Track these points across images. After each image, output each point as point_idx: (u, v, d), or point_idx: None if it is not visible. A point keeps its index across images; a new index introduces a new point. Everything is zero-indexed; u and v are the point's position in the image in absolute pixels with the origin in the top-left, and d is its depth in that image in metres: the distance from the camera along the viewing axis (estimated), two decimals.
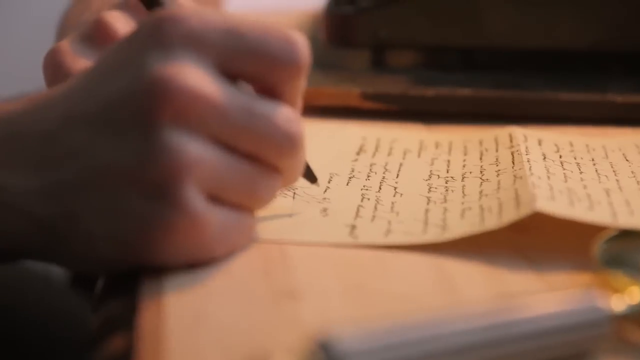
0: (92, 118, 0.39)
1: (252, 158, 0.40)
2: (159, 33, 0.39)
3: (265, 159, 0.40)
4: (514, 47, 0.67)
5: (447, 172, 0.52)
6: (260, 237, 0.43)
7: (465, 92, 0.62)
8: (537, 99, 0.62)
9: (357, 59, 0.70)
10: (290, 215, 0.46)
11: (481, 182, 0.50)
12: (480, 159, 0.54)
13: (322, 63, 0.69)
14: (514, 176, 0.49)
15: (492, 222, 0.43)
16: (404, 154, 0.56)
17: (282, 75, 0.40)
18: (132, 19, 0.54)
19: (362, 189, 0.49)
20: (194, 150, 0.38)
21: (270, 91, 0.41)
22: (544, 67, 0.67)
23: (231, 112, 0.39)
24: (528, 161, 0.51)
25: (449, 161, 0.54)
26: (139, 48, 0.39)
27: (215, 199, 0.39)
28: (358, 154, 0.56)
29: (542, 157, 0.53)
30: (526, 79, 0.65)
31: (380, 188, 0.50)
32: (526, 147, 0.54)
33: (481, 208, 0.45)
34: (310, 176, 0.47)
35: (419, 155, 0.56)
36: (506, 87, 0.64)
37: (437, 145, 0.57)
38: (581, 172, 0.50)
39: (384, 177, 0.51)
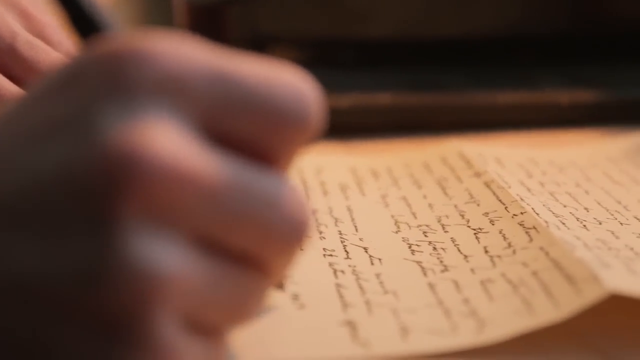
0: (5, 207, 0.25)
1: (243, 258, 0.27)
2: (119, 76, 0.25)
3: (261, 258, 0.27)
4: (419, 37, 0.56)
5: (415, 217, 0.41)
6: None
7: (385, 98, 0.51)
8: (474, 105, 0.51)
9: None
10: (283, 292, 0.33)
11: (475, 234, 0.38)
12: (445, 193, 0.43)
13: None
14: (522, 226, 0.38)
15: (546, 312, 0.31)
16: (343, 191, 0.44)
17: (283, 138, 0.27)
18: None
19: (324, 255, 0.37)
20: (172, 261, 0.25)
21: (265, 157, 0.27)
22: (455, 59, 0.57)
23: (226, 196, 0.26)
24: (521, 199, 0.40)
25: (405, 199, 0.43)
26: (86, 98, 0.25)
27: (193, 324, 0.26)
28: None
29: (527, 189, 0.42)
30: (441, 74, 0.55)
31: (346, 251, 0.38)
32: (498, 174, 0.43)
33: (509, 282, 0.34)
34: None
35: (362, 193, 0.44)
36: (422, 86, 0.53)
37: (375, 175, 0.46)
38: (586, 210, 0.40)
39: (340, 232, 0.39)
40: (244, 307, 0.27)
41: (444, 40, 0.56)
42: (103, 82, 0.25)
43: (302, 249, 0.28)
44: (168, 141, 0.25)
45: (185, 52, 0.26)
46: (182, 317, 0.25)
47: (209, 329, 0.27)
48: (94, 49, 0.26)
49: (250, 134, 0.27)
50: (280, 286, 0.33)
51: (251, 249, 0.27)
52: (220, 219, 0.26)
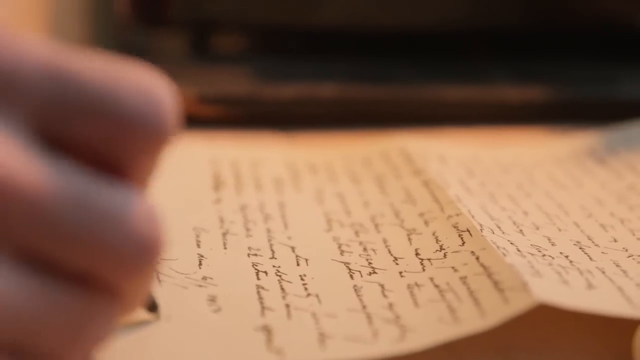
0: None
1: (82, 279, 0.24)
2: None
3: (104, 280, 0.24)
4: (369, 27, 0.54)
5: (349, 215, 0.39)
6: None
7: (330, 90, 0.49)
8: (422, 99, 0.49)
9: (171, 43, 0.55)
10: (157, 319, 0.31)
11: (408, 235, 0.37)
12: (383, 191, 0.41)
13: (125, 49, 0.54)
14: (456, 228, 0.36)
15: (472, 321, 0.30)
16: (277, 185, 0.42)
17: (134, 146, 0.24)
18: None
19: (249, 254, 0.36)
20: None
21: (112, 167, 0.24)
22: (405, 52, 0.55)
23: (55, 210, 0.23)
24: (459, 200, 0.39)
25: (341, 196, 0.41)
26: None
27: (20, 354, 0.23)
28: (217, 189, 0.41)
29: (466, 189, 0.41)
30: (390, 67, 0.53)
31: (272, 250, 0.36)
32: (438, 173, 0.42)
33: (436, 287, 0.33)
34: (149, 301, 0.30)
35: (298, 189, 0.42)
36: (369, 78, 0.51)
37: (313, 169, 0.44)
38: (525, 213, 0.39)
39: (269, 230, 0.38)
40: (85, 333, 0.24)
41: (394, 31, 0.54)
42: None
43: (154, 271, 0.25)
44: None
45: (16, 46, 0.23)
46: (5, 346, 0.23)
47: (42, 358, 0.24)
48: None
49: (93, 141, 0.24)
50: (151, 308, 0.30)
51: (91, 269, 0.24)
52: (49, 235, 0.23)
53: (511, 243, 0.35)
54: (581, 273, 0.33)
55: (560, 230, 0.37)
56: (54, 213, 0.23)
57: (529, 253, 0.34)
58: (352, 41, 0.54)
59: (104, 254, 0.23)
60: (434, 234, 0.36)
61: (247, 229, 0.38)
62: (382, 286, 0.33)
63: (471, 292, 0.31)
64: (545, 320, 0.31)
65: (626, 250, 0.36)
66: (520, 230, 0.37)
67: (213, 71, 0.51)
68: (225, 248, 0.36)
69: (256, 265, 0.35)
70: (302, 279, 0.34)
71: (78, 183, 0.23)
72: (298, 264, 0.35)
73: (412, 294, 0.32)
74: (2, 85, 0.23)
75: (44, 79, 0.23)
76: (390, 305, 0.32)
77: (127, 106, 0.24)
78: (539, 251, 0.34)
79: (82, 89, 0.23)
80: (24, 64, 0.23)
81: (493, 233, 0.35)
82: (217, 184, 0.42)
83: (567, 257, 0.34)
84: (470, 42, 0.56)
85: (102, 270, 0.24)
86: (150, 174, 0.25)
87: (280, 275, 0.34)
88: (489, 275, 0.32)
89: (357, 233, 0.37)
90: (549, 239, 0.36)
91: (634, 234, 0.37)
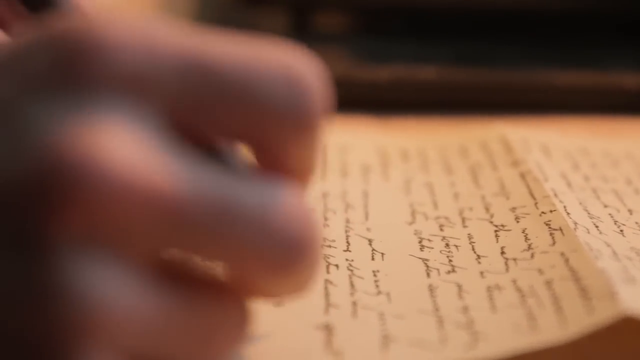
0: None
1: (215, 284, 0.23)
2: (72, 65, 0.21)
3: (240, 285, 0.24)
4: (476, 8, 0.51)
5: (436, 207, 0.37)
6: None
7: (429, 73, 0.46)
8: (529, 85, 0.46)
9: (273, 22, 0.53)
10: None
11: (495, 232, 0.34)
12: (475, 182, 0.38)
13: (228, 27, 0.52)
14: (548, 226, 0.33)
15: (550, 330, 0.27)
16: (365, 173, 0.40)
17: (278, 132, 0.23)
18: None
19: (322, 245, 0.33)
20: (113, 290, 0.21)
21: (268, 158, 0.23)
22: (512, 33, 0.52)
23: (189, 212, 0.21)
24: (555, 195, 0.35)
25: (430, 186, 0.39)
26: (26, 88, 0.21)
27: None
28: None
29: (567, 183, 0.37)
30: (495, 49, 0.50)
31: (347, 242, 0.34)
32: (538, 164, 0.39)
33: (518, 290, 0.30)
34: None
35: (385, 177, 0.40)
36: (472, 61, 0.48)
37: (404, 157, 0.41)
38: (630, 212, 0.35)
39: (347, 220, 0.35)
40: (216, 342, 0.23)
41: (502, 11, 0.51)
42: (50, 70, 0.21)
43: (307, 275, 0.24)
44: (121, 146, 0.21)
45: (151, 39, 0.22)
46: (127, 355, 0.21)
47: None
48: (45, 28, 0.22)
49: (232, 132, 0.23)
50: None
51: (226, 274, 0.23)
52: (182, 239, 0.22)
53: (607, 245, 0.31)
54: None
55: None
56: (186, 215, 0.21)
57: (626, 257, 0.31)
58: (456, 21, 0.51)
59: (242, 256, 0.22)
60: (523, 231, 0.33)
61: (325, 218, 0.35)
62: (459, 286, 0.30)
63: (555, 299, 0.28)
64: (636, 332, 0.28)
65: None
66: (621, 231, 0.33)
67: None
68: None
69: (328, 258, 0.32)
70: (374, 275, 0.31)
71: (213, 180, 0.22)
72: (373, 259, 0.33)
73: (490, 297, 0.30)
74: (138, 82, 0.21)
75: (179, 72, 0.22)
76: (465, 309, 0.29)
77: (265, 92, 0.22)
78: (638, 255, 0.31)
79: (218, 78, 0.22)
80: (159, 59, 0.22)
81: (588, 232, 0.32)
82: None
83: None
84: (585, 23, 0.52)
85: (238, 274, 0.23)
86: (309, 165, 0.24)
87: (352, 270, 0.32)
88: (577, 280, 0.29)
89: (441, 227, 0.35)
90: None
91: None
